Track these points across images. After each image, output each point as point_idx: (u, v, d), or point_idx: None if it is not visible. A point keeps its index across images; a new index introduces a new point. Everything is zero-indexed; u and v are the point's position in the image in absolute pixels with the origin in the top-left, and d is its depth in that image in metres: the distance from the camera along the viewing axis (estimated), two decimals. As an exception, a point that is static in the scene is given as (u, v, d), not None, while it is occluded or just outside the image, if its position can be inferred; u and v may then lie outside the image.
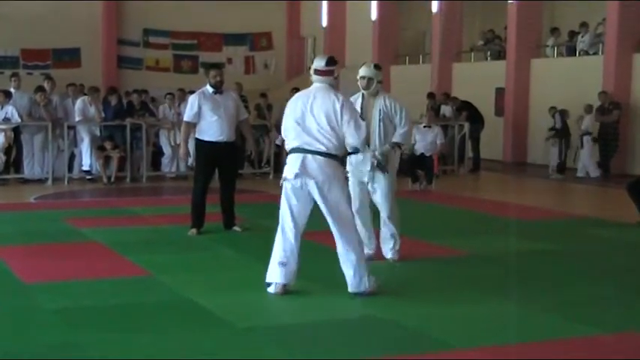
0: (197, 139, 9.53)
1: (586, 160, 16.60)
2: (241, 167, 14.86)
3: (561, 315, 6.21)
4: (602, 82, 17.35)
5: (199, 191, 9.49)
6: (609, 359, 5.31)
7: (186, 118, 9.56)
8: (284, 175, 6.59)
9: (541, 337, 5.66)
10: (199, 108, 9.33)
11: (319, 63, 6.64)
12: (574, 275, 7.75)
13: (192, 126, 9.57)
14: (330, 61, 6.58)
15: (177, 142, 14.50)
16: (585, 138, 16.59)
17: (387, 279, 7.30)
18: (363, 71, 7.85)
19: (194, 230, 9.48)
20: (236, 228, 9.61)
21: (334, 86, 6.64)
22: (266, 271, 6.72)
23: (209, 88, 9.46)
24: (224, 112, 9.34)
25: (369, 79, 7.77)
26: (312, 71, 6.66)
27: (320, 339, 5.61)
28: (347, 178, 7.25)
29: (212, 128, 9.32)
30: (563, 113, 16.87)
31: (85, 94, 15.70)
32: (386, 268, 7.78)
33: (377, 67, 8.00)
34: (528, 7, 19.69)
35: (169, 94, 16.46)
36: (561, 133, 16.99)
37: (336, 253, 6.70)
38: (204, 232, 9.48)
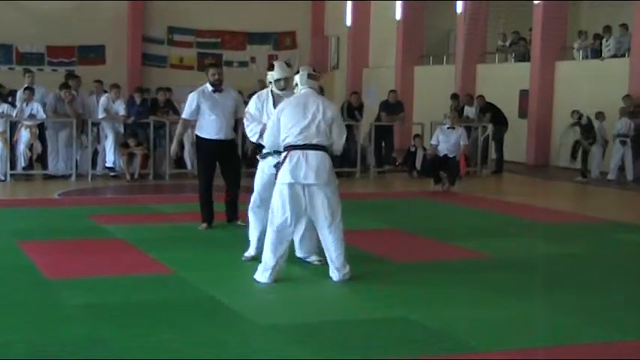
0: (197, 136, 9.76)
1: (627, 162, 16.37)
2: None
3: (586, 319, 6.15)
4: (629, 85, 17.19)
5: (204, 187, 9.73)
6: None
7: (184, 115, 9.83)
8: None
9: (566, 341, 5.60)
10: (198, 106, 9.51)
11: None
12: (599, 279, 7.69)
13: (189, 123, 9.86)
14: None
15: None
16: (618, 141, 16.37)
17: (411, 280, 7.29)
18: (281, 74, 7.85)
19: (204, 225, 9.70)
20: (239, 222, 9.73)
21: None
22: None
23: (208, 87, 9.62)
24: (222, 110, 9.54)
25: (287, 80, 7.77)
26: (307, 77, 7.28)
27: (342, 338, 5.59)
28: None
29: (210, 126, 9.53)
30: (598, 116, 16.67)
31: (106, 91, 15.76)
32: (409, 269, 7.75)
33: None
34: (554, 9, 19.55)
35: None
36: (586, 137, 16.82)
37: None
38: (225, 228, 9.51)
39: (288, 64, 8.32)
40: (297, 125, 6.97)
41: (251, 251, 7.91)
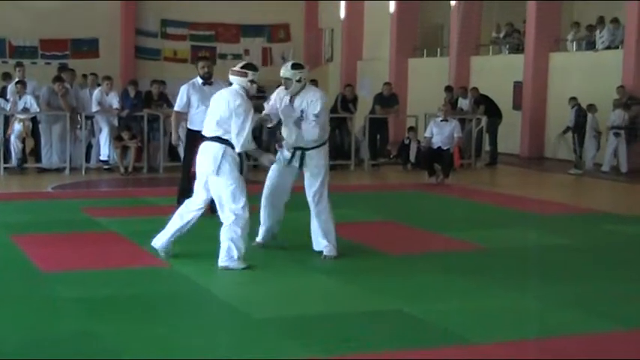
0: (187, 129, 9.97)
1: (620, 154, 16.38)
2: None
3: (579, 310, 6.17)
4: (622, 76, 17.21)
5: (186, 178, 9.73)
6: (628, 357, 5.27)
7: (176, 107, 10.13)
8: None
9: (559, 332, 5.63)
10: (188, 98, 9.77)
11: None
12: (592, 270, 7.71)
13: (182, 115, 10.05)
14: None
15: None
16: (612, 132, 16.38)
17: (405, 272, 7.30)
18: (282, 72, 7.79)
19: None
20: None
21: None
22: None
23: (199, 79, 9.91)
24: None
25: (287, 80, 7.72)
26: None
27: (335, 331, 5.59)
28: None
29: (199, 118, 9.56)
30: (590, 108, 16.69)
31: (99, 85, 15.74)
32: (404, 261, 7.77)
33: (295, 66, 7.82)
34: (547, 0, 19.55)
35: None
36: (575, 129, 16.87)
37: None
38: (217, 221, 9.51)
39: (284, 58, 8.40)
40: (205, 118, 7.54)
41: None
